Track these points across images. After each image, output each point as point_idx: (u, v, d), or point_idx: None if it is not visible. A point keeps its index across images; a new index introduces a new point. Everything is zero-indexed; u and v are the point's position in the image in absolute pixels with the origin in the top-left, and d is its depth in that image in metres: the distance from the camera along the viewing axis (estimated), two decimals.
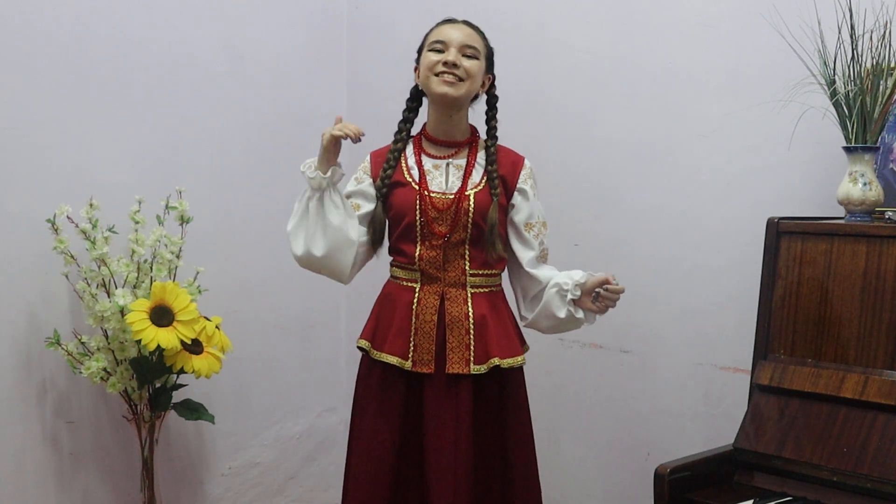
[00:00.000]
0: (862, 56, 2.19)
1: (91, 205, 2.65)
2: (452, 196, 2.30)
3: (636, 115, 2.83)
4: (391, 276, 2.39)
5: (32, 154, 2.69)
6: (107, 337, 2.66)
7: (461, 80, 2.27)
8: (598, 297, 2.28)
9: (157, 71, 2.96)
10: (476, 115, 2.42)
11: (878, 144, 2.22)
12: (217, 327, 2.71)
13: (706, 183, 2.71)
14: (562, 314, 2.31)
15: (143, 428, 2.76)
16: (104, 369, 2.62)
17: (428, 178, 2.32)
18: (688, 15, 2.72)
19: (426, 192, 2.30)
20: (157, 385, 2.75)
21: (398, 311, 2.31)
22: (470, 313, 2.30)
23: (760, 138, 2.58)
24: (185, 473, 3.11)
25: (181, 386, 2.79)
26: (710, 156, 2.70)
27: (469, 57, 2.29)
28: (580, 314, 2.31)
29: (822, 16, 2.28)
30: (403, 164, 2.35)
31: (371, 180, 2.35)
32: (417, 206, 2.29)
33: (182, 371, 2.65)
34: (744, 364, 2.44)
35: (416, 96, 2.41)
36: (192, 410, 2.79)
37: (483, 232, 2.30)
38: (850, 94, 2.17)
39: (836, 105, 2.21)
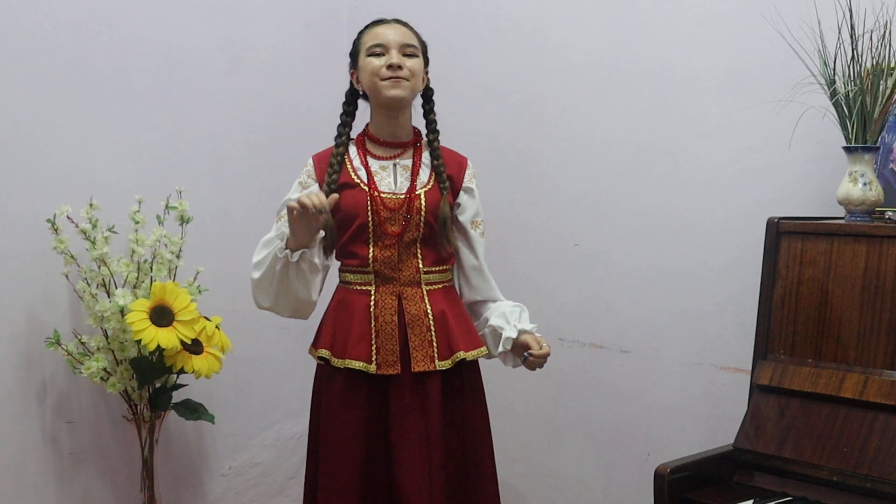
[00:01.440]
0: (862, 56, 2.19)
1: (91, 205, 2.65)
2: (403, 196, 2.31)
3: (636, 115, 2.83)
4: (342, 281, 2.38)
5: (32, 154, 2.69)
6: (107, 337, 2.66)
7: (407, 80, 2.28)
8: (526, 360, 2.32)
9: (157, 70, 2.96)
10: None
11: (878, 144, 2.22)
12: (217, 327, 2.71)
13: (706, 183, 2.71)
14: (495, 354, 2.40)
15: (143, 428, 2.76)
16: (104, 369, 2.62)
17: (376, 178, 2.32)
18: (688, 15, 2.72)
19: (377, 193, 2.30)
20: (157, 385, 2.75)
21: (356, 315, 2.30)
22: (429, 310, 2.31)
23: (760, 138, 2.58)
24: (185, 473, 3.11)
25: (181, 386, 2.79)
26: (710, 156, 2.70)
27: (409, 55, 2.30)
28: (510, 363, 2.39)
29: (822, 16, 2.27)
30: (349, 166, 2.35)
31: (317, 185, 2.34)
32: (369, 207, 2.29)
33: (182, 371, 2.65)
34: (744, 364, 2.44)
35: (351, 100, 2.42)
36: (192, 410, 2.79)
37: (434, 230, 2.32)
38: (850, 94, 2.17)
39: (836, 105, 2.21)
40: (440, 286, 2.36)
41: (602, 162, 2.91)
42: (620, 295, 2.89)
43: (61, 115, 2.75)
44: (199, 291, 2.79)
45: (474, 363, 2.39)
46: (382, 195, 2.30)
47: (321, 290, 2.36)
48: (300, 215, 2.16)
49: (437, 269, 2.35)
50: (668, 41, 2.76)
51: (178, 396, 2.79)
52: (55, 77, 2.74)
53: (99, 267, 2.64)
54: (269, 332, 3.29)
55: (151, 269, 2.72)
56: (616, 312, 2.90)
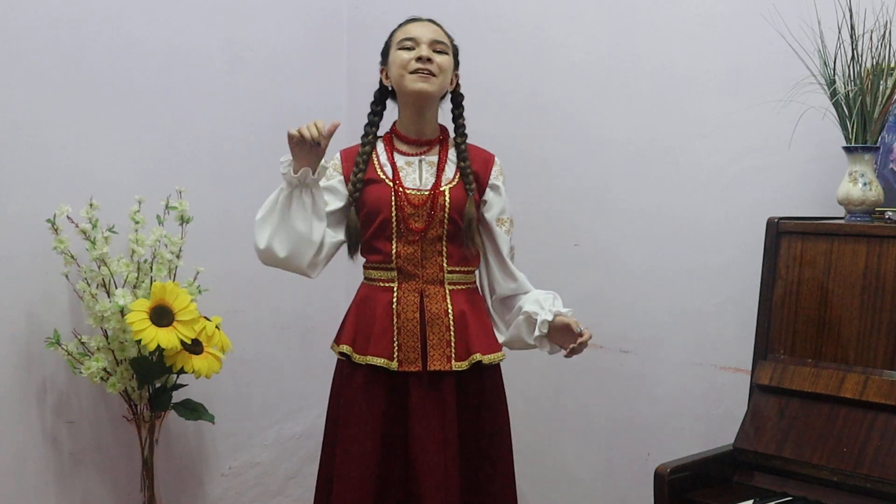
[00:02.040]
0: (862, 56, 2.19)
1: (91, 205, 2.65)
2: (427, 192, 2.31)
3: (636, 115, 2.83)
4: (366, 278, 2.38)
5: (32, 154, 2.69)
6: (107, 337, 2.66)
7: (434, 75, 2.29)
8: (572, 350, 2.29)
9: (157, 70, 2.96)
10: (443, 116, 2.43)
11: (878, 144, 2.22)
12: (217, 327, 2.71)
13: (706, 183, 2.71)
14: (531, 341, 2.37)
15: (143, 428, 2.76)
16: (104, 369, 2.62)
17: (401, 174, 2.33)
18: (688, 15, 2.72)
19: (401, 189, 2.30)
20: (157, 385, 2.75)
21: (378, 312, 2.30)
22: (449, 310, 2.31)
23: (760, 138, 2.58)
24: (185, 473, 3.11)
25: (181, 386, 2.79)
26: (710, 156, 2.70)
27: (439, 52, 2.31)
28: (546, 347, 2.37)
29: (822, 16, 2.27)
30: (375, 162, 2.35)
31: (342, 178, 2.35)
32: (393, 203, 2.29)
33: (182, 371, 2.65)
34: (744, 364, 2.44)
35: (380, 99, 2.42)
36: (192, 410, 2.79)
37: (459, 228, 2.32)
38: (850, 94, 2.17)
39: (836, 105, 2.21)
40: (463, 287, 2.35)
41: (602, 162, 2.91)
42: (620, 295, 2.89)
43: (61, 115, 2.75)
44: (199, 291, 2.79)
45: (495, 370, 2.38)
46: (407, 191, 2.30)
47: (324, 250, 2.30)
48: (300, 143, 2.16)
49: (461, 269, 2.35)
50: (668, 41, 2.76)
51: (178, 396, 2.79)
52: (55, 77, 2.73)
53: (99, 267, 2.64)
54: (269, 332, 3.30)
55: (151, 269, 2.72)
56: (616, 312, 2.90)
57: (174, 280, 2.75)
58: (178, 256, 2.76)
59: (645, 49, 2.80)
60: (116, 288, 2.64)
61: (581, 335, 2.28)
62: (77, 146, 2.78)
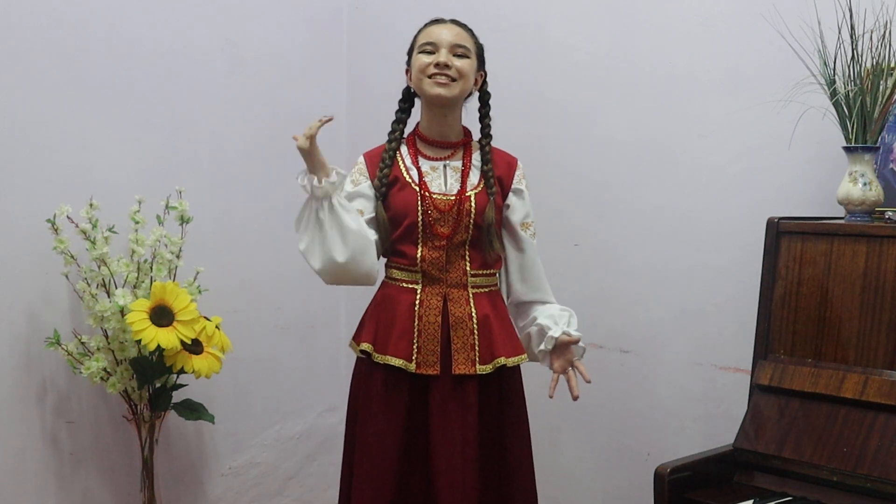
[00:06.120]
0: (862, 56, 2.19)
1: (91, 205, 2.65)
2: (453, 197, 2.31)
3: (636, 115, 2.83)
4: (388, 277, 2.39)
5: (32, 154, 2.69)
6: (107, 337, 2.66)
7: (454, 80, 2.28)
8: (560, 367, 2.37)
9: (158, 70, 2.96)
10: (469, 115, 2.43)
11: (878, 144, 2.23)
12: (217, 327, 2.71)
13: (706, 183, 2.71)
14: (535, 351, 2.40)
15: (143, 428, 2.76)
16: (104, 369, 2.62)
17: (427, 179, 2.33)
18: (688, 15, 2.72)
19: (427, 194, 2.30)
20: (157, 385, 2.75)
21: (399, 313, 2.31)
22: (473, 314, 2.31)
23: (760, 138, 2.58)
24: (185, 473, 3.11)
25: (181, 386, 2.79)
26: (710, 156, 2.70)
27: (460, 56, 2.30)
28: (547, 362, 2.40)
29: (822, 16, 2.28)
30: (401, 164, 2.35)
31: (369, 181, 2.35)
32: (420, 208, 2.29)
33: (182, 371, 2.65)
34: (744, 364, 2.44)
35: (407, 97, 2.42)
36: (192, 410, 2.79)
37: (482, 233, 2.31)
38: (850, 94, 2.18)
39: (836, 105, 2.21)
40: (486, 290, 2.35)
41: (602, 162, 2.91)
42: (620, 295, 2.89)
43: (61, 115, 2.75)
44: (199, 291, 2.79)
45: (516, 371, 2.39)
46: (433, 196, 2.30)
47: (378, 249, 2.31)
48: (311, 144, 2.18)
49: (483, 272, 2.35)
50: (668, 41, 2.76)
51: (178, 396, 2.79)
52: (55, 77, 2.73)
53: (99, 267, 2.64)
54: (269, 332, 3.30)
55: (151, 269, 2.72)
56: (616, 312, 2.90)
57: (174, 280, 2.75)
58: (178, 256, 2.76)
59: (645, 49, 2.80)
60: (116, 288, 2.64)
61: (575, 357, 2.35)
62: (77, 146, 2.78)
